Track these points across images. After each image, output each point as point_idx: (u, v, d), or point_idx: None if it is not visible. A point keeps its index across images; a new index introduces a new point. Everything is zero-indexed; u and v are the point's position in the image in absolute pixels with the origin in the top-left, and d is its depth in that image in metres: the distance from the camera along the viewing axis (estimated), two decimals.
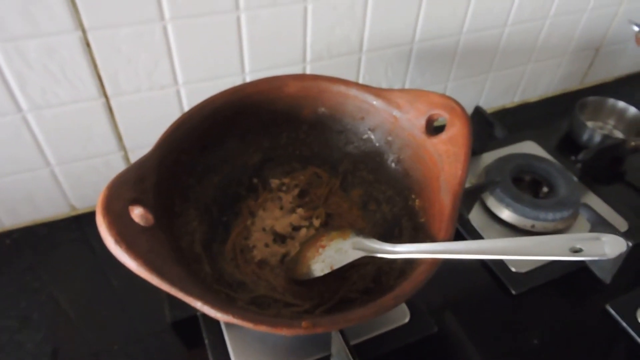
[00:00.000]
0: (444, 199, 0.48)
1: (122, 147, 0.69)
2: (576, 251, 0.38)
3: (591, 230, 0.67)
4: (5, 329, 0.59)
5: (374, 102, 0.57)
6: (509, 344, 0.60)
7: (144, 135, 0.69)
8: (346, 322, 0.39)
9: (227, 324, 0.56)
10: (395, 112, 0.56)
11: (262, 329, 0.38)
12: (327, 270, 0.50)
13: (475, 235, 0.71)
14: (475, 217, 0.73)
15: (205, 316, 0.58)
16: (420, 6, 0.72)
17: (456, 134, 0.50)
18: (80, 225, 0.72)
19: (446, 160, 0.50)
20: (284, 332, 0.38)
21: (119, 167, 0.70)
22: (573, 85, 1.05)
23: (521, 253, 0.40)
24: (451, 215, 0.47)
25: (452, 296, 0.65)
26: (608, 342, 0.61)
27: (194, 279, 0.42)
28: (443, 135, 0.52)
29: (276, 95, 0.59)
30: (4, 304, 0.61)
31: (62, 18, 0.54)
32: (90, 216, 0.73)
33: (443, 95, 0.53)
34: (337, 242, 0.51)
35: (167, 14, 0.58)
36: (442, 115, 0.53)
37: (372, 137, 0.60)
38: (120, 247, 0.37)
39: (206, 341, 0.56)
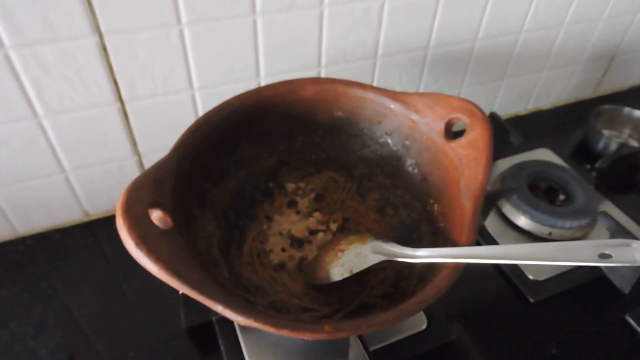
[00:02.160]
0: (465, 204, 0.48)
1: (137, 152, 0.68)
2: (604, 257, 0.37)
3: (610, 239, 0.66)
4: (20, 335, 0.58)
5: (392, 106, 0.57)
6: (527, 353, 0.59)
7: (159, 140, 0.68)
8: (369, 327, 0.39)
9: (243, 330, 0.56)
10: (414, 116, 0.56)
11: (285, 333, 0.37)
12: (346, 275, 0.49)
13: (491, 242, 0.70)
14: (491, 223, 0.72)
15: (220, 321, 0.57)
16: (435, 12, 0.72)
17: (477, 138, 0.50)
18: (93, 231, 0.71)
19: (466, 165, 0.49)
20: (307, 336, 0.37)
21: (133, 172, 0.70)
22: (586, 93, 1.04)
23: (547, 259, 0.39)
24: (472, 220, 0.46)
25: (468, 303, 0.64)
26: (628, 353, 0.60)
27: (214, 283, 0.42)
28: (463, 140, 0.51)
29: (293, 98, 0.58)
30: (19, 310, 0.61)
31: (80, 23, 0.54)
32: (103, 222, 0.72)
33: (463, 99, 0.52)
34: (356, 246, 0.51)
35: (184, 18, 0.58)
36: (462, 119, 0.52)
37: (389, 141, 0.60)
38: (141, 250, 0.37)
39: (222, 347, 0.55)
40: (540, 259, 0.39)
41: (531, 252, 0.40)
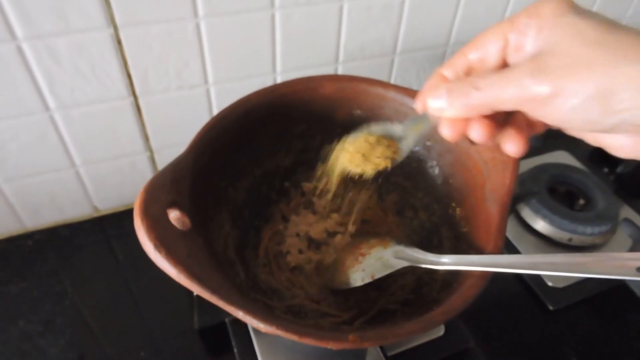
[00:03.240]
0: (491, 209, 0.46)
1: (149, 147, 0.67)
2: None
3: (633, 248, 0.65)
4: (29, 333, 0.57)
5: (414, 106, 0.55)
6: None
7: (171, 136, 0.67)
8: (394, 336, 0.37)
9: (256, 332, 0.54)
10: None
11: (307, 341, 0.36)
12: (368, 280, 0.47)
13: (508, 246, 0.69)
14: (509, 227, 0.71)
15: (233, 323, 0.56)
16: (457, 8, 0.70)
17: None
18: (103, 227, 0.70)
19: (493, 169, 0.48)
20: (330, 345, 0.36)
21: (145, 168, 0.69)
22: None
23: (581, 271, 0.37)
24: (499, 226, 0.44)
25: (486, 310, 0.62)
26: None
27: (232, 287, 0.40)
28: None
29: (311, 96, 0.57)
30: (28, 307, 0.60)
31: (94, 14, 0.53)
32: (113, 218, 0.71)
33: None
34: (377, 251, 0.49)
35: (200, 11, 0.57)
36: None
37: None
38: (160, 252, 0.35)
39: (235, 349, 0.54)
40: (574, 271, 0.37)
41: (564, 263, 0.38)
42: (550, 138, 0.86)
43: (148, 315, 0.60)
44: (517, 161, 0.47)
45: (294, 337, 0.36)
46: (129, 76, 0.59)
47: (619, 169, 0.76)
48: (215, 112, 0.66)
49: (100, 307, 0.60)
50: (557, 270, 0.38)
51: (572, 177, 0.75)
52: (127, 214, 0.71)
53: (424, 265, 0.45)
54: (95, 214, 0.71)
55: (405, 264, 0.46)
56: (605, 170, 0.84)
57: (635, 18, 0.87)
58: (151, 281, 0.62)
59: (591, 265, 0.37)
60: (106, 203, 0.71)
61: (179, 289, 0.45)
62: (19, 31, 0.51)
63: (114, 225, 0.70)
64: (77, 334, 0.57)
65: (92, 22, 0.53)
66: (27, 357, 0.55)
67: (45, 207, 0.67)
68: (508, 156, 0.47)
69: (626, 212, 0.74)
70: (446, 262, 0.43)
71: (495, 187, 0.47)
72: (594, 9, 0.81)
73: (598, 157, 0.87)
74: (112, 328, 0.58)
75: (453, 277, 0.46)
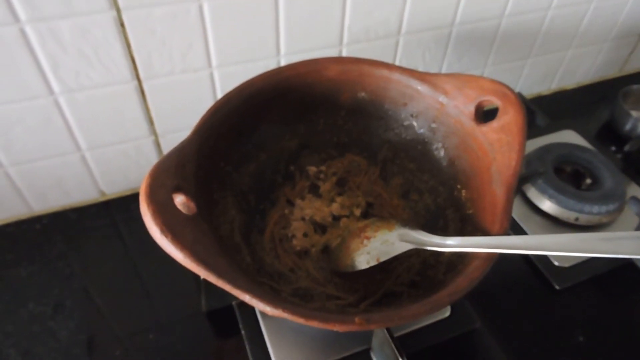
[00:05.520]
0: (497, 191, 0.46)
1: (153, 131, 0.67)
2: None
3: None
4: (39, 315, 0.58)
5: (419, 87, 0.55)
6: (553, 341, 0.58)
7: (176, 120, 0.67)
8: (400, 319, 0.37)
9: (263, 314, 0.55)
10: (442, 98, 0.54)
11: (314, 324, 0.36)
12: (373, 263, 0.48)
13: (514, 227, 0.69)
14: (515, 208, 0.70)
15: (240, 305, 0.56)
16: None
17: (509, 122, 0.48)
18: (109, 211, 0.70)
19: (498, 150, 0.48)
20: (337, 328, 0.36)
21: (150, 152, 0.69)
22: (612, 72, 1.01)
23: (588, 250, 0.37)
24: (505, 207, 0.44)
25: (492, 290, 0.62)
26: None
27: (238, 270, 0.40)
28: (494, 124, 0.49)
29: (315, 78, 0.56)
30: (37, 290, 0.60)
31: None
32: (119, 202, 0.71)
33: (494, 81, 0.50)
34: (382, 234, 0.49)
35: None
36: (493, 102, 0.50)
37: (415, 123, 0.58)
38: (167, 237, 0.35)
39: (243, 332, 0.54)
40: (581, 251, 0.37)
41: (570, 243, 0.38)
42: (557, 118, 0.86)
43: (156, 298, 0.60)
44: (523, 142, 0.46)
45: (300, 320, 0.36)
46: (133, 60, 0.59)
47: (627, 147, 0.75)
48: (220, 95, 0.65)
49: (109, 290, 0.61)
50: (563, 250, 0.38)
51: (579, 157, 0.75)
52: (134, 197, 0.72)
53: (429, 248, 0.45)
54: (102, 198, 0.71)
55: (410, 246, 0.46)
56: (613, 148, 0.83)
57: (627, 22, 0.86)
58: (158, 264, 0.62)
59: (599, 246, 0.37)
60: (112, 187, 0.71)
61: (186, 272, 0.45)
62: (22, 14, 0.50)
63: (120, 209, 0.70)
64: (87, 316, 0.58)
65: (95, 5, 0.53)
66: (37, 339, 0.56)
67: (52, 191, 0.67)
68: (514, 137, 0.47)
69: (634, 190, 0.74)
70: (451, 244, 0.43)
71: (501, 168, 0.47)
72: (586, 12, 0.79)
73: (605, 136, 0.86)
74: (121, 310, 0.59)
75: (458, 259, 0.46)
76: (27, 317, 0.58)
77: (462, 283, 0.39)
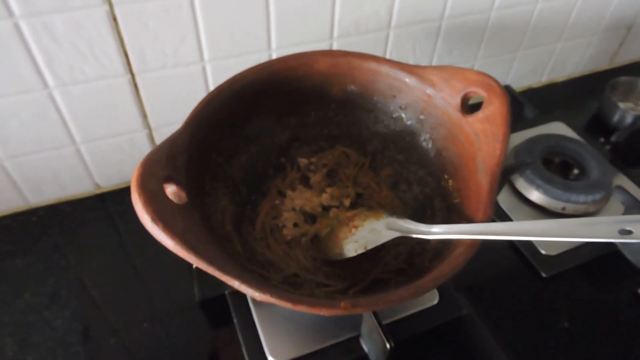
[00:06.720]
0: (481, 180, 0.47)
1: (147, 125, 0.68)
2: (625, 233, 0.37)
3: (625, 213, 0.66)
4: (34, 305, 0.59)
5: (407, 80, 0.56)
6: (539, 327, 0.59)
7: (169, 113, 0.68)
8: (385, 303, 0.39)
9: (255, 303, 0.56)
10: (429, 90, 0.55)
11: (301, 308, 0.37)
12: (360, 251, 0.49)
13: (503, 217, 0.70)
14: (504, 198, 0.72)
15: (233, 294, 0.57)
16: None
17: (494, 112, 0.49)
18: (104, 203, 0.71)
19: (484, 140, 0.49)
20: (323, 312, 0.37)
21: (144, 145, 0.70)
22: (602, 65, 1.02)
23: (566, 235, 0.38)
24: (489, 196, 0.45)
25: (480, 278, 0.64)
26: (639, 326, 0.60)
27: (229, 258, 0.42)
28: (480, 114, 0.50)
29: (305, 71, 0.57)
30: (33, 280, 0.61)
31: None
32: (114, 195, 0.72)
33: (480, 73, 0.51)
34: (370, 223, 0.51)
35: None
36: (479, 94, 0.51)
37: (403, 115, 0.59)
38: (158, 225, 0.36)
39: (235, 320, 0.56)
40: (559, 235, 0.39)
41: (550, 228, 0.40)
42: (547, 110, 0.87)
43: (150, 288, 0.62)
44: (507, 132, 0.47)
45: (288, 305, 0.37)
46: (126, 54, 0.60)
47: (613, 138, 0.76)
48: (212, 89, 0.66)
49: (104, 281, 0.62)
50: (543, 235, 0.39)
51: (567, 148, 0.76)
52: (128, 190, 0.71)
53: (415, 236, 0.46)
54: (97, 191, 0.72)
55: (396, 234, 0.47)
56: (602, 139, 0.85)
57: (616, 14, 0.87)
58: (153, 255, 0.63)
59: (576, 230, 0.39)
60: (107, 180, 0.72)
61: (180, 263, 0.46)
62: (16, 8, 0.51)
63: (115, 202, 0.72)
64: (82, 307, 0.59)
65: None
66: (33, 328, 0.57)
67: (48, 184, 0.68)
68: (498, 127, 0.48)
69: (620, 180, 0.75)
70: (436, 232, 0.45)
71: (485, 158, 0.48)
72: (574, 4, 0.80)
73: (594, 128, 0.88)
74: (116, 300, 0.60)
75: (444, 247, 0.47)
76: (24, 307, 0.59)
77: (445, 269, 0.41)
